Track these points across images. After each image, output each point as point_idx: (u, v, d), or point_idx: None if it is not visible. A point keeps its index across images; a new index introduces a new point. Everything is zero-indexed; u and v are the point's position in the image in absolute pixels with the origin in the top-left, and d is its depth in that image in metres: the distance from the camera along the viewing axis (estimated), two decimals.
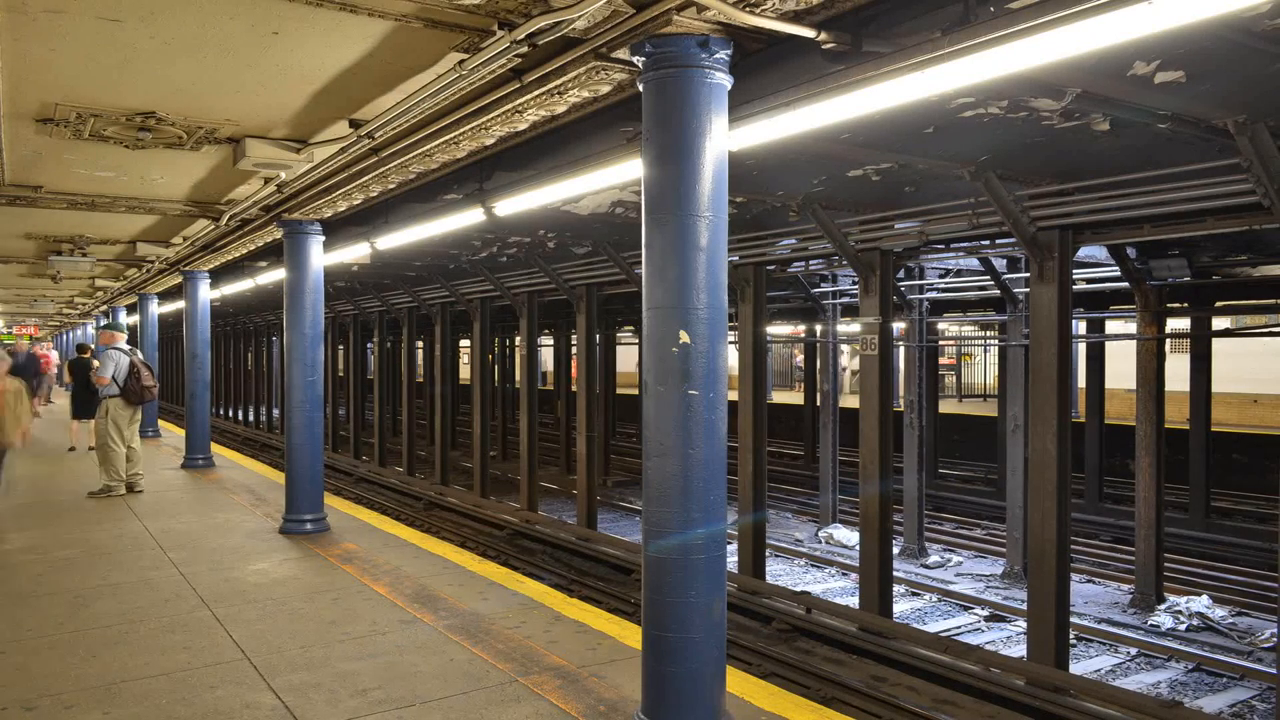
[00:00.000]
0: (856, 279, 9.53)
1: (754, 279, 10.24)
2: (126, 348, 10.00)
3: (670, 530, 3.58)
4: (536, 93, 4.27)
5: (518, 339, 18.98)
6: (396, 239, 8.94)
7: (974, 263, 11.55)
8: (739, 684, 4.47)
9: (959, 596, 10.79)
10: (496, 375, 25.28)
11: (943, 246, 9.16)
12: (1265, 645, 9.14)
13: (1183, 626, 9.72)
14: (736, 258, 10.10)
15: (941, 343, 23.42)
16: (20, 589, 6.22)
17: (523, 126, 4.90)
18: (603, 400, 19.79)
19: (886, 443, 9.01)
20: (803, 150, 6.38)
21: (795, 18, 3.45)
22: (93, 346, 13.98)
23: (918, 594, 11.03)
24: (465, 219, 7.52)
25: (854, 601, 9.78)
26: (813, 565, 12.66)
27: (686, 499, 3.57)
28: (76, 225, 10.04)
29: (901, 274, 12.61)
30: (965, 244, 9.16)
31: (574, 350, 18.18)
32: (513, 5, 3.53)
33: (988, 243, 9.00)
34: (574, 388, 16.92)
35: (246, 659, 4.81)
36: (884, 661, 7.55)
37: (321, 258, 8.28)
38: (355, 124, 5.49)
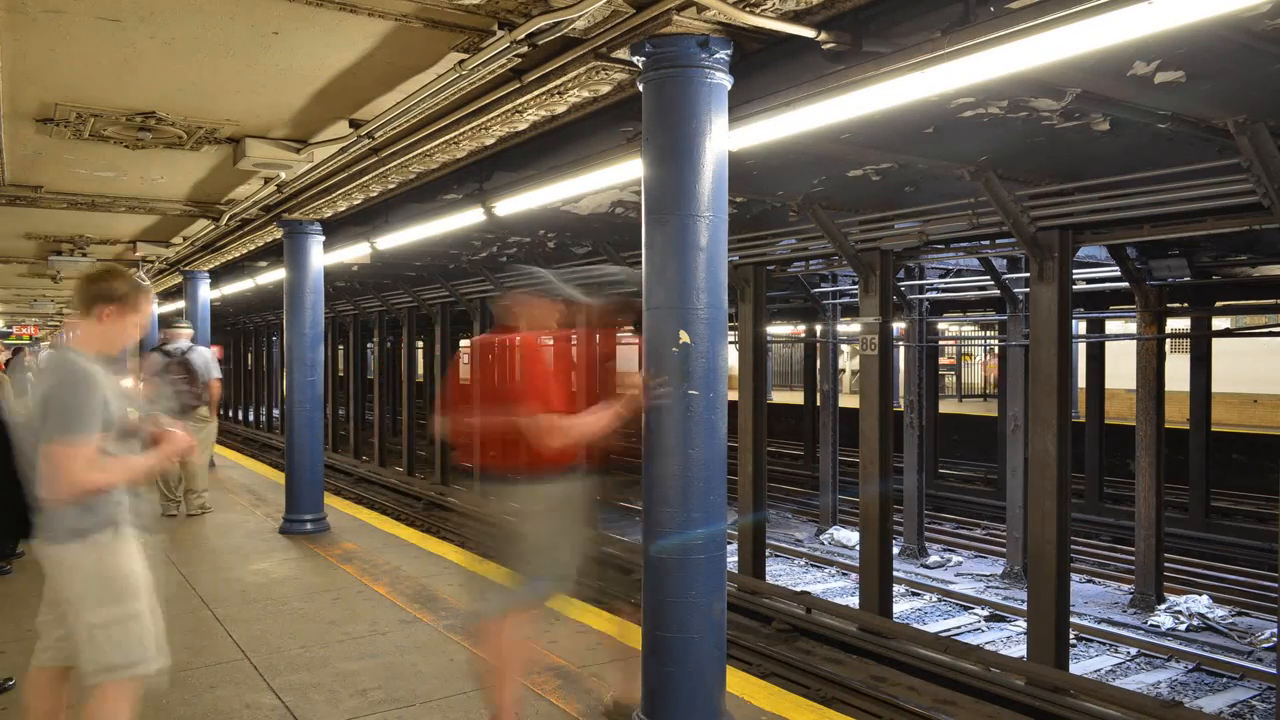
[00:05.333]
0: (856, 279, 9.53)
1: (754, 279, 10.23)
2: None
3: (670, 530, 3.58)
4: (536, 93, 4.27)
5: None
6: (396, 239, 8.94)
7: (974, 263, 11.54)
8: (739, 684, 4.47)
9: (959, 596, 10.79)
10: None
11: (943, 246, 9.15)
12: (1265, 645, 9.14)
13: (1183, 626, 9.72)
14: (736, 258, 10.09)
15: (941, 343, 23.39)
16: (20, 589, 6.21)
17: (523, 126, 4.90)
18: None
19: (886, 443, 9.00)
20: (803, 150, 6.37)
21: (795, 18, 3.45)
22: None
23: (918, 594, 11.02)
24: (465, 219, 7.52)
25: (854, 601, 9.77)
26: (813, 565, 12.65)
27: (686, 499, 3.57)
28: (76, 225, 10.03)
29: (901, 274, 12.59)
30: (965, 244, 9.15)
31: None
32: (513, 5, 3.53)
33: (988, 243, 8.99)
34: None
35: (246, 659, 4.81)
36: (884, 661, 7.54)
37: (321, 258, 8.27)
38: (355, 124, 5.48)
